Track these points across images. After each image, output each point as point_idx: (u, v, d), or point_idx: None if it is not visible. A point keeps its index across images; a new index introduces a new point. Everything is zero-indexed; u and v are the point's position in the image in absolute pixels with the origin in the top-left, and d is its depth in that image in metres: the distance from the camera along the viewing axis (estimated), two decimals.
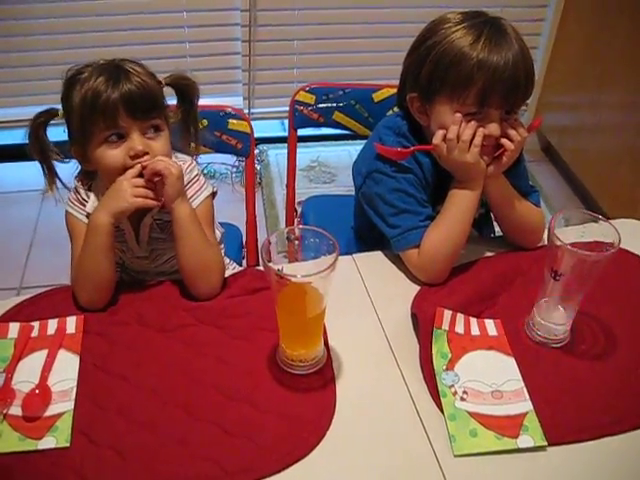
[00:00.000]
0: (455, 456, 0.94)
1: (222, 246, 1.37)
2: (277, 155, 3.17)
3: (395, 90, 1.37)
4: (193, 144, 1.34)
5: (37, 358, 1.07)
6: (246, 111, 3.05)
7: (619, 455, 0.96)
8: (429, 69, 1.20)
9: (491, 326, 1.15)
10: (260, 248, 0.98)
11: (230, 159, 2.99)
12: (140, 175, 1.15)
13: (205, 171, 2.89)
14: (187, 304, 1.19)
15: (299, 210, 1.92)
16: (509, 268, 1.28)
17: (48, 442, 0.94)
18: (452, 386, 1.03)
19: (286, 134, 1.83)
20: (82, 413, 0.99)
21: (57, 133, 1.23)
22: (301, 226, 1.68)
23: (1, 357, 1.06)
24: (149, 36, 2.83)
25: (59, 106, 1.19)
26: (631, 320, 1.18)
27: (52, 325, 1.13)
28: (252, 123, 1.67)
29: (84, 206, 1.23)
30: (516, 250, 1.35)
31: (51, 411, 0.99)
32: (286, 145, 1.82)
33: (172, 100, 1.28)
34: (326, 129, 1.85)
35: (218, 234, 1.35)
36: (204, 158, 1.65)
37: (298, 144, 1.81)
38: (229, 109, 1.65)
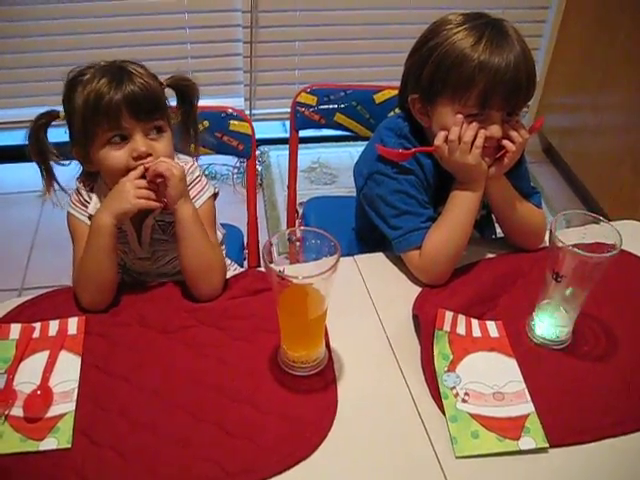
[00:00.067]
0: (456, 458, 0.94)
1: (223, 247, 1.37)
2: (278, 156, 3.18)
3: (396, 91, 1.37)
4: (193, 145, 1.34)
5: (38, 359, 1.07)
6: (247, 112, 3.05)
7: (621, 457, 0.96)
8: (430, 70, 1.20)
9: (492, 327, 1.14)
10: (261, 249, 0.98)
11: (231, 160, 2.99)
12: (143, 176, 1.15)
13: (206, 172, 2.89)
14: (188, 305, 1.19)
15: (300, 211, 1.92)
16: (510, 270, 1.28)
17: (49, 443, 0.94)
18: (453, 388, 1.03)
19: (287, 135, 1.83)
20: (83, 414, 0.99)
21: (56, 135, 1.23)
22: (302, 227, 1.68)
23: (3, 358, 1.06)
24: (150, 37, 2.83)
25: (60, 108, 1.19)
26: (632, 322, 1.18)
27: (53, 326, 1.13)
28: (253, 124, 1.67)
29: (86, 207, 1.23)
30: (517, 252, 1.35)
31: (52, 412, 0.99)
32: (287, 146, 1.82)
33: (172, 101, 1.28)
34: (327, 130, 1.85)
35: (219, 235, 1.35)
36: (205, 159, 1.66)
37: (299, 145, 1.81)
38: (230, 110, 1.65)
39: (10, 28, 2.72)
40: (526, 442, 0.95)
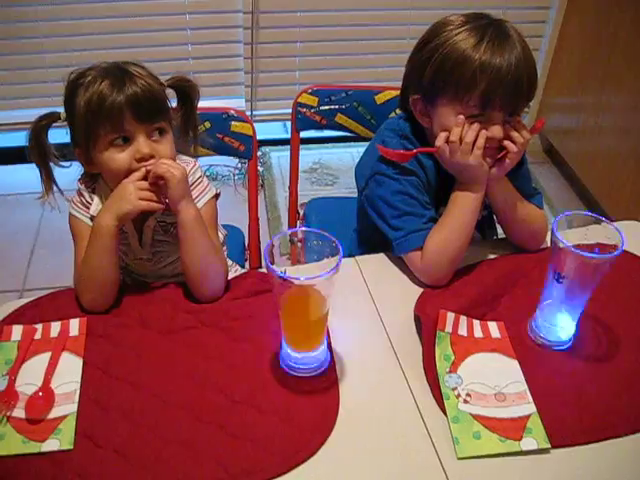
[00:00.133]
0: (458, 459, 0.94)
1: (225, 248, 1.37)
2: (279, 157, 3.18)
3: (398, 92, 1.37)
4: (192, 146, 1.34)
5: (40, 360, 1.07)
6: (248, 113, 3.05)
7: (623, 457, 0.96)
8: (432, 71, 1.20)
9: (494, 328, 1.14)
10: (263, 250, 0.98)
11: (232, 161, 2.99)
12: (145, 178, 1.15)
13: (207, 173, 2.89)
14: (190, 306, 1.19)
15: (301, 212, 1.92)
16: (512, 270, 1.28)
17: (51, 444, 0.94)
18: (455, 388, 1.03)
19: (288, 136, 1.83)
20: (85, 415, 0.99)
21: (57, 136, 1.23)
22: (304, 228, 1.68)
23: (5, 360, 1.07)
24: (151, 38, 2.83)
25: (60, 109, 1.19)
26: (634, 322, 1.18)
27: (55, 327, 1.13)
28: (254, 125, 1.67)
29: (88, 208, 1.23)
30: (519, 252, 1.34)
31: (54, 413, 0.99)
32: (288, 147, 1.82)
33: (172, 102, 1.28)
34: (328, 131, 1.85)
35: (221, 236, 1.35)
36: (206, 160, 1.65)
37: (300, 146, 1.81)
38: (232, 111, 1.65)
39: (10, 29, 2.71)
40: (528, 443, 0.95)
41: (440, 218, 1.26)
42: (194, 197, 1.22)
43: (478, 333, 1.13)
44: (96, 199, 1.23)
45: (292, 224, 1.90)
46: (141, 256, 1.31)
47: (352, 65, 3.07)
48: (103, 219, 1.15)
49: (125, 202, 1.14)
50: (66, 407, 1.00)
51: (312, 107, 1.76)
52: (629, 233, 1.03)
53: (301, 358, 1.05)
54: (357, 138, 1.84)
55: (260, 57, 2.96)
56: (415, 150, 1.26)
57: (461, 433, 0.97)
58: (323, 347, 1.07)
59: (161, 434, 0.96)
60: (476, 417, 0.99)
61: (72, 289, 1.21)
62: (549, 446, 0.95)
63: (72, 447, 0.94)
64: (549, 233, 1.12)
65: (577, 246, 1.01)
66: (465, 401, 1.01)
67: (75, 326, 1.13)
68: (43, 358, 1.07)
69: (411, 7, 2.93)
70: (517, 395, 1.02)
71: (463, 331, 1.12)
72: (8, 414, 0.98)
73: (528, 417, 0.99)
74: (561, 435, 0.97)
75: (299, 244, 1.02)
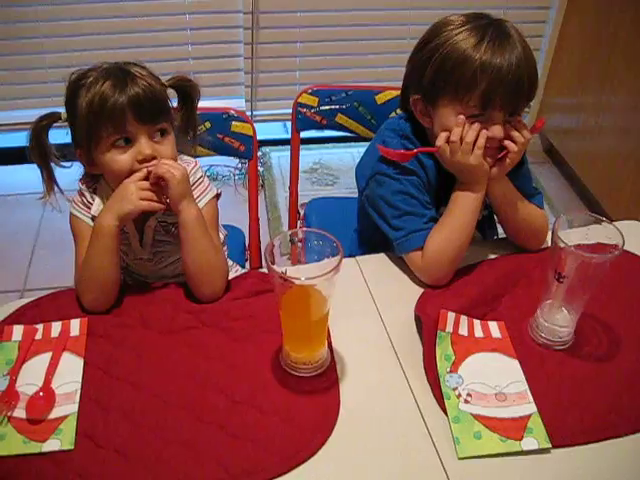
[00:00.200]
0: (459, 458, 0.94)
1: (225, 248, 1.37)
2: (279, 157, 3.18)
3: (398, 92, 1.37)
4: (192, 145, 1.34)
5: (41, 361, 1.07)
6: (248, 113, 3.05)
7: (624, 457, 0.96)
8: (432, 71, 1.20)
9: (495, 328, 1.14)
10: (264, 250, 0.98)
11: (232, 161, 2.99)
12: (146, 178, 1.15)
13: (207, 173, 2.88)
14: (191, 306, 1.19)
15: (302, 212, 1.92)
16: (513, 270, 1.28)
17: (52, 445, 0.94)
18: (456, 388, 1.03)
19: (288, 136, 1.83)
20: (86, 415, 0.99)
21: (57, 136, 1.23)
22: (304, 228, 1.68)
23: (5, 360, 1.07)
24: (151, 38, 2.83)
25: (61, 109, 1.19)
26: (634, 322, 1.18)
27: (56, 328, 1.13)
28: (254, 125, 1.67)
29: (89, 208, 1.23)
30: (519, 252, 1.34)
31: (55, 414, 0.99)
32: (288, 147, 1.82)
33: (173, 102, 1.28)
34: (329, 131, 1.85)
35: (221, 236, 1.35)
36: (206, 160, 1.66)
37: (300, 146, 1.81)
38: (232, 111, 1.65)
39: (11, 30, 2.72)
40: (529, 442, 0.95)
41: (441, 218, 1.26)
42: (195, 197, 1.22)
43: (479, 333, 1.13)
44: (97, 199, 1.23)
45: (292, 224, 1.90)
46: (141, 256, 1.31)
47: (352, 65, 3.07)
48: (104, 219, 1.15)
49: (126, 202, 1.14)
50: (67, 407, 1.00)
51: (312, 107, 1.76)
52: (629, 233, 1.03)
53: (302, 358, 1.05)
54: (357, 138, 1.84)
55: (260, 57, 2.97)
56: (416, 150, 1.26)
57: (462, 433, 0.97)
58: (324, 347, 1.07)
59: (162, 434, 0.96)
60: (477, 417, 0.99)
61: (73, 289, 1.21)
62: (550, 446, 0.95)
63: (73, 447, 0.94)
64: (550, 233, 1.12)
65: (578, 246, 1.01)
66: (466, 401, 1.01)
67: (76, 326, 1.13)
68: (44, 358, 1.07)
69: (411, 7, 2.93)
70: (518, 395, 1.02)
71: (464, 331, 1.12)
72: (9, 414, 0.98)
73: (529, 417, 0.99)
74: (562, 435, 0.97)
75: (299, 244, 1.02)
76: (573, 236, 1.03)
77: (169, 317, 1.17)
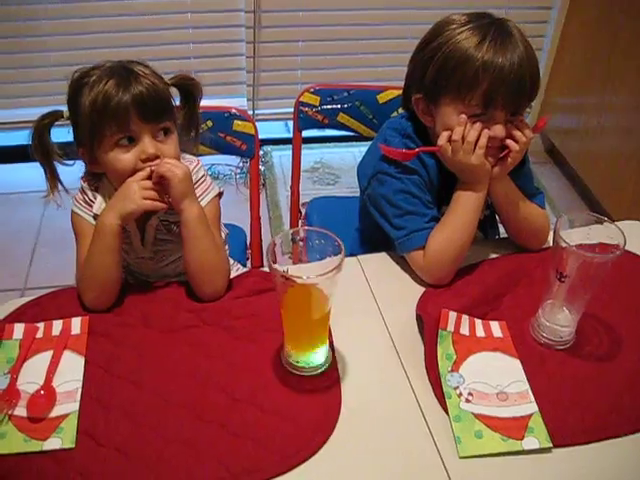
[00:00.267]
0: (460, 458, 0.94)
1: (226, 247, 1.37)
2: (281, 156, 3.18)
3: (400, 91, 1.37)
4: (194, 144, 1.34)
5: (42, 359, 1.07)
6: (250, 112, 3.05)
7: (624, 457, 0.96)
8: (434, 70, 1.20)
9: (496, 328, 1.14)
10: (265, 249, 0.98)
11: (234, 160, 2.99)
12: (149, 177, 1.15)
13: (209, 172, 2.88)
14: (192, 305, 1.19)
15: (303, 211, 1.92)
16: (514, 270, 1.28)
17: (53, 443, 0.94)
18: (457, 387, 1.03)
19: (290, 135, 1.83)
20: (87, 414, 0.99)
21: (58, 134, 1.23)
22: (306, 227, 1.68)
23: (6, 358, 1.07)
24: (153, 37, 2.83)
25: (63, 107, 1.19)
26: (636, 322, 1.18)
27: (57, 326, 1.13)
28: (256, 124, 1.67)
29: (90, 207, 1.23)
30: (521, 252, 1.34)
31: (56, 412, 0.99)
32: (290, 146, 1.82)
33: (175, 100, 1.28)
34: (330, 130, 1.85)
35: (222, 235, 1.35)
36: (208, 159, 1.66)
37: (302, 145, 1.81)
38: (234, 110, 1.65)
39: (13, 28, 2.72)
40: (530, 442, 0.95)
41: (442, 217, 1.26)
42: (197, 196, 1.22)
43: (480, 332, 1.13)
44: (99, 197, 1.23)
45: (294, 223, 1.90)
46: (142, 255, 1.31)
47: (354, 64, 3.08)
48: (107, 218, 1.15)
49: (129, 201, 1.14)
50: (68, 406, 1.00)
51: (314, 106, 1.76)
52: (631, 233, 1.03)
53: (303, 357, 1.05)
54: (359, 137, 1.83)
55: (262, 56, 2.97)
56: (417, 149, 1.26)
57: (463, 432, 0.97)
58: (325, 346, 1.07)
59: (162, 433, 0.96)
60: (478, 416, 0.99)
61: (74, 288, 1.21)
62: (551, 445, 0.95)
63: (74, 446, 0.94)
64: (551, 232, 1.12)
65: (579, 246, 1.01)
66: (467, 400, 1.01)
67: (77, 325, 1.13)
68: (45, 357, 1.07)
69: (413, 6, 2.93)
70: (519, 394, 1.02)
71: (465, 330, 1.12)
72: (10, 413, 0.98)
73: (530, 416, 0.99)
74: (563, 435, 0.97)
75: (301, 243, 1.02)
76: (575, 236, 1.03)
77: (170, 316, 1.17)
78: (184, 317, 1.17)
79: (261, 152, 3.09)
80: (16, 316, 1.16)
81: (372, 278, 1.28)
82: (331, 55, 3.04)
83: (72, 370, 1.05)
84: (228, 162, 2.97)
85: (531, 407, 1.00)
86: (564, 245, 1.00)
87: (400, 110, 1.41)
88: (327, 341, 1.08)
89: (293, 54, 3.02)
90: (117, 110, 1.11)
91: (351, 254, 1.34)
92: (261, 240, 1.77)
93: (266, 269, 1.29)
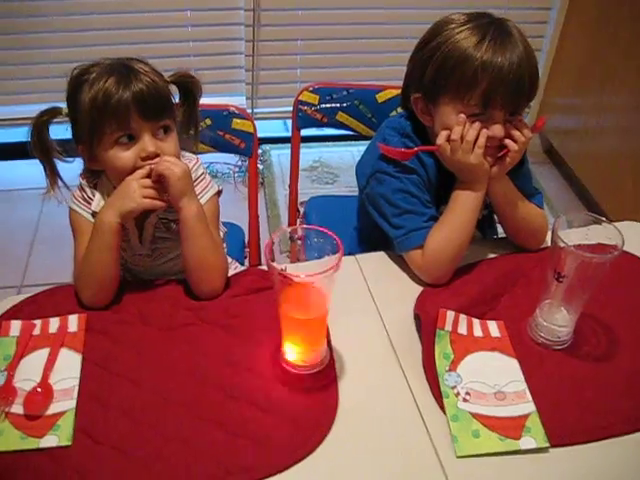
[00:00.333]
0: (457, 457, 0.94)
1: (224, 245, 1.37)
2: (279, 155, 3.17)
3: (399, 91, 1.37)
4: (193, 142, 1.34)
5: (39, 356, 1.07)
6: (249, 111, 3.05)
7: (622, 457, 0.96)
8: (433, 70, 1.20)
9: (494, 327, 1.14)
10: (263, 248, 0.98)
11: (232, 159, 2.99)
12: (148, 175, 1.15)
13: (207, 171, 2.88)
14: (190, 303, 1.19)
15: (301, 210, 1.92)
16: (512, 269, 1.28)
17: (50, 440, 0.94)
18: (454, 387, 1.03)
19: (288, 134, 1.83)
20: (84, 412, 0.98)
21: (59, 131, 1.23)
22: (304, 226, 1.68)
23: (3, 355, 1.06)
24: (153, 35, 2.83)
25: (62, 104, 1.19)
26: (633, 322, 1.18)
27: (54, 323, 1.13)
28: (255, 123, 1.67)
29: (89, 204, 1.22)
30: (519, 252, 1.34)
31: (53, 409, 0.98)
32: (288, 145, 1.82)
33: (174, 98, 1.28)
34: (329, 129, 1.85)
35: (221, 233, 1.35)
36: (207, 157, 1.66)
37: (301, 144, 1.81)
38: (233, 108, 1.65)
39: (12, 25, 2.71)
40: (527, 442, 0.95)
41: (441, 217, 1.26)
42: (196, 194, 1.22)
43: (478, 332, 1.13)
44: (97, 195, 1.23)
45: (292, 222, 1.90)
46: (140, 252, 1.31)
47: (353, 63, 3.07)
48: (106, 216, 1.15)
49: (129, 200, 1.14)
50: (65, 403, 0.99)
51: (313, 105, 1.76)
52: (629, 234, 1.03)
53: (301, 356, 1.05)
54: (358, 137, 1.83)
55: (261, 55, 2.96)
56: (416, 148, 1.26)
57: (460, 432, 0.97)
58: (323, 345, 1.07)
59: (160, 431, 0.96)
60: (475, 416, 0.99)
61: (71, 285, 1.20)
62: (548, 445, 0.95)
63: (70, 443, 0.94)
64: (550, 232, 1.12)
65: (577, 246, 1.01)
66: (464, 400, 1.01)
67: (74, 322, 1.13)
68: (42, 354, 1.07)
69: (412, 6, 2.93)
70: (516, 394, 1.02)
71: (463, 330, 1.12)
72: (6, 410, 0.98)
73: (527, 416, 0.99)
74: (560, 434, 0.97)
75: (299, 242, 1.02)
76: (573, 236, 1.03)
77: (168, 314, 1.17)
78: (182, 315, 1.16)
79: (260, 151, 3.09)
80: (13, 313, 1.16)
81: (370, 277, 1.28)
82: (330, 54, 3.04)
83: (69, 367, 1.05)
84: (227, 161, 2.97)
85: (528, 407, 1.00)
86: (562, 245, 1.00)
87: (399, 109, 1.41)
88: (325, 340, 1.08)
89: (292, 53, 3.02)
90: (117, 108, 1.10)
91: (349, 253, 1.34)
92: (259, 239, 1.77)
93: (264, 267, 1.28)
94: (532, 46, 1.20)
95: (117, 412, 0.99)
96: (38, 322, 1.13)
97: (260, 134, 1.71)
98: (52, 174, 1.22)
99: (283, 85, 3.07)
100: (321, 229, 0.98)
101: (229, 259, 1.39)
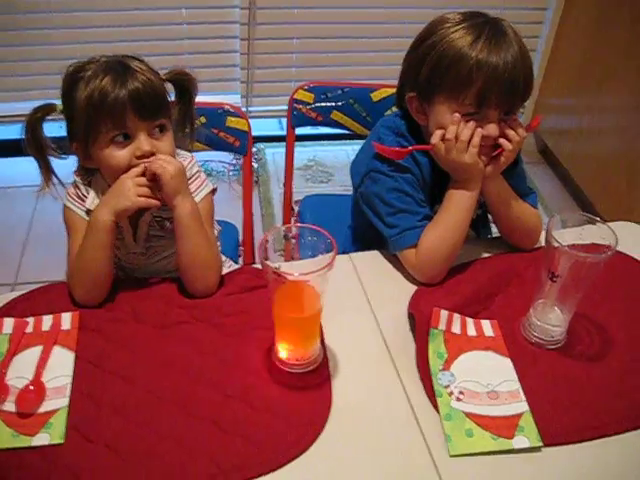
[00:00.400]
0: (451, 456, 0.94)
1: (219, 244, 1.37)
2: (274, 154, 3.17)
3: (394, 90, 1.37)
4: (189, 140, 1.34)
5: (32, 354, 1.06)
6: (244, 109, 3.04)
7: (614, 456, 0.96)
8: (428, 69, 1.20)
9: (487, 326, 1.14)
10: (257, 246, 0.98)
11: (227, 157, 2.98)
12: (143, 174, 1.14)
13: (202, 169, 2.88)
14: (183, 301, 1.19)
15: (296, 209, 1.92)
16: (506, 269, 1.28)
17: (42, 439, 0.94)
18: (448, 386, 1.03)
19: (283, 133, 1.83)
20: (77, 410, 0.98)
21: (53, 129, 1.22)
22: (298, 224, 1.67)
23: None
24: (148, 32, 2.82)
25: (56, 101, 1.18)
26: (626, 322, 1.18)
27: (47, 321, 1.12)
28: (250, 121, 1.67)
29: (83, 201, 1.22)
30: (513, 251, 1.35)
31: (45, 407, 0.98)
32: (283, 144, 1.82)
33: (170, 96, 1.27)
34: (323, 128, 1.85)
35: (215, 232, 1.34)
36: (201, 156, 1.65)
37: (295, 143, 1.81)
38: (227, 106, 1.64)
39: (6, 21, 2.70)
40: (520, 441, 0.95)
41: (435, 216, 1.26)
42: (191, 192, 1.22)
43: (471, 331, 1.13)
44: (92, 193, 1.23)
45: (286, 221, 1.90)
46: (134, 250, 1.30)
47: (348, 62, 3.07)
48: (100, 214, 1.14)
49: (123, 198, 1.13)
50: (57, 401, 0.99)
51: (308, 104, 1.76)
52: (623, 234, 1.04)
53: (294, 354, 1.05)
54: (352, 136, 1.83)
55: (256, 53, 2.96)
56: (411, 147, 1.26)
57: (453, 431, 0.97)
58: (316, 343, 1.07)
59: (153, 429, 0.96)
60: (468, 415, 0.99)
61: (64, 283, 1.20)
62: (541, 444, 0.95)
63: (63, 441, 0.93)
64: (544, 232, 1.12)
65: (571, 246, 1.01)
66: (458, 399, 1.01)
67: (67, 320, 1.13)
68: (34, 352, 1.07)
69: (408, 5, 2.93)
70: (510, 393, 1.02)
71: (456, 329, 1.12)
72: None
73: (520, 415, 0.99)
74: (553, 434, 0.97)
75: (293, 240, 1.02)
76: (567, 236, 1.03)
77: (162, 312, 1.16)
78: (175, 313, 1.16)
79: (254, 149, 3.09)
80: (6, 310, 1.15)
81: (364, 276, 1.27)
82: (326, 53, 3.04)
83: (62, 365, 1.05)
84: (221, 159, 2.97)
85: (522, 406, 1.00)
86: (556, 245, 1.01)
87: (394, 108, 1.41)
88: (318, 338, 1.08)
89: (288, 51, 3.02)
90: (113, 107, 1.10)
91: (343, 252, 1.34)
92: (253, 237, 1.76)
93: (258, 266, 1.28)
94: (527, 46, 1.20)
95: (110, 410, 0.98)
96: (31, 320, 1.12)
97: (255, 132, 1.71)
98: (46, 171, 1.21)
99: (278, 84, 3.07)
100: (315, 228, 0.98)
101: (223, 257, 1.39)
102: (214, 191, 1.30)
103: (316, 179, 3.03)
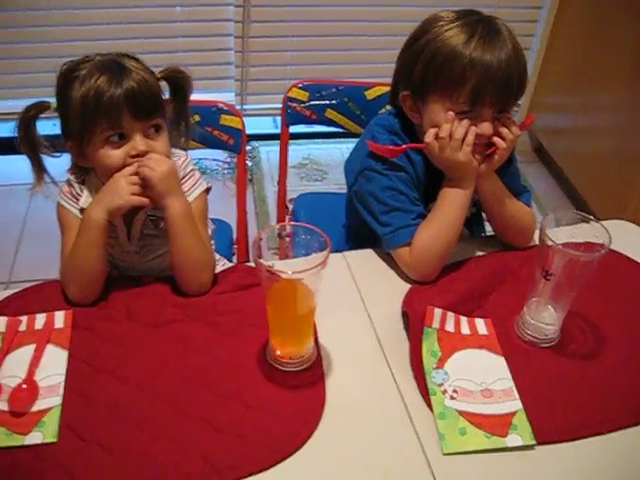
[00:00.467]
0: (444, 454, 0.94)
1: (212, 242, 1.37)
2: (268, 152, 3.17)
3: (388, 88, 1.37)
4: (184, 138, 1.33)
5: (25, 353, 1.06)
6: (238, 107, 3.04)
7: (607, 454, 0.96)
8: (422, 67, 1.20)
9: (481, 325, 1.15)
10: (251, 244, 0.97)
11: (221, 155, 2.98)
12: (137, 173, 1.14)
13: (196, 167, 2.88)
14: (177, 300, 1.19)
15: (290, 207, 1.92)
16: (500, 267, 1.28)
17: (35, 437, 0.93)
18: (442, 384, 1.03)
19: (277, 131, 1.83)
20: (70, 409, 0.98)
21: (47, 127, 1.22)
22: (292, 223, 1.67)
23: None
24: (142, 30, 2.81)
25: (50, 99, 1.18)
26: (620, 320, 1.18)
27: (40, 320, 1.12)
28: (244, 119, 1.66)
29: (77, 200, 1.22)
30: (507, 249, 1.35)
31: (38, 406, 0.98)
32: (277, 142, 1.82)
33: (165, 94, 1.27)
34: (317, 127, 1.85)
35: (209, 230, 1.34)
36: (195, 154, 1.65)
37: (290, 141, 1.81)
38: (221, 104, 1.64)
39: (6, 18, 2.69)
40: (513, 439, 0.95)
41: (429, 214, 1.26)
42: (185, 191, 1.21)
43: (465, 329, 1.13)
44: (86, 191, 1.22)
45: (281, 219, 1.90)
46: (128, 249, 1.30)
47: (343, 60, 3.07)
48: (94, 212, 1.14)
49: (117, 197, 1.13)
50: (50, 400, 0.99)
51: (302, 102, 1.75)
52: (616, 232, 1.04)
53: (288, 353, 1.05)
54: (347, 134, 1.84)
55: (251, 51, 2.96)
56: (405, 146, 1.26)
57: (447, 429, 0.97)
58: (310, 342, 1.07)
59: (147, 428, 0.95)
60: (462, 413, 0.99)
61: (58, 281, 1.20)
62: (534, 443, 0.95)
63: (56, 440, 0.93)
64: (537, 231, 1.12)
65: (565, 244, 1.01)
66: (452, 397, 1.01)
67: (60, 318, 1.12)
68: (27, 350, 1.06)
69: (402, 3, 2.93)
70: (503, 392, 1.03)
71: (450, 327, 1.12)
72: None
73: (514, 414, 0.99)
74: (546, 432, 0.97)
75: (287, 238, 1.02)
76: (561, 234, 1.04)
77: (155, 310, 1.16)
78: (169, 312, 1.16)
79: (249, 147, 3.08)
80: None
81: (358, 274, 1.27)
82: (320, 51, 3.04)
83: (55, 364, 1.05)
84: (215, 157, 2.96)
85: (515, 404, 1.00)
86: (550, 243, 1.01)
87: (388, 107, 1.41)
88: (312, 337, 1.08)
89: (282, 49, 3.01)
90: (109, 107, 1.09)
91: (337, 250, 1.34)
92: (247, 236, 1.76)
93: (252, 264, 1.28)
94: (522, 45, 1.20)
95: (103, 409, 0.98)
96: (24, 318, 1.12)
97: (249, 131, 1.71)
98: (39, 170, 1.21)
99: (272, 82, 3.07)
100: (309, 226, 0.98)
101: (217, 256, 1.39)
102: (208, 190, 1.30)
103: (310, 177, 3.03)
